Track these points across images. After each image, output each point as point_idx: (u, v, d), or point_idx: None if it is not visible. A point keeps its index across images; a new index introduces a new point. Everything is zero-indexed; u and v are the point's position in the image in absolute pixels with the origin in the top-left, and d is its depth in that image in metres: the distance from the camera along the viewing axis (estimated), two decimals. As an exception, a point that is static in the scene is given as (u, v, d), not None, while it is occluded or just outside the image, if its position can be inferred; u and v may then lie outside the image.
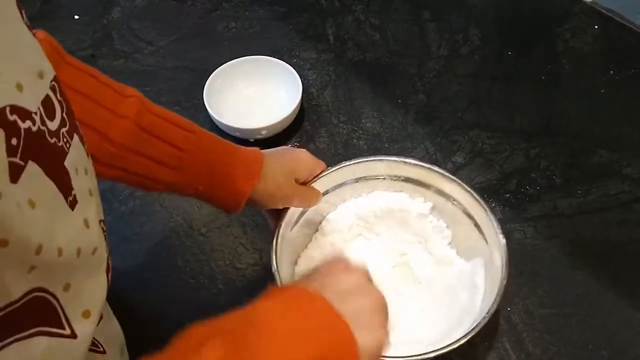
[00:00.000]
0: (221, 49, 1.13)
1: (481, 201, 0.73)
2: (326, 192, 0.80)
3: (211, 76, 1.00)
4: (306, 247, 0.82)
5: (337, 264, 0.55)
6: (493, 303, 0.66)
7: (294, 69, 1.00)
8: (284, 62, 1.02)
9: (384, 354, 0.51)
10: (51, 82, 0.42)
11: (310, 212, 0.80)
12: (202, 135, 0.66)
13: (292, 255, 0.79)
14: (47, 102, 0.40)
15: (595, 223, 0.87)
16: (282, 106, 0.97)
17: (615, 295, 0.79)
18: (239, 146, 0.69)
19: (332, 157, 0.96)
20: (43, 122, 0.39)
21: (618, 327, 0.77)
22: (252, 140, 0.96)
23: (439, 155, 0.95)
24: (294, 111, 0.95)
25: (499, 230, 0.70)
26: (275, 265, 0.70)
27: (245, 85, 1.03)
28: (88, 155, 0.49)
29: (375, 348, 0.49)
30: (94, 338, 0.59)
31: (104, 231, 0.51)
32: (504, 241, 0.70)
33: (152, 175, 0.64)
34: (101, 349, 0.59)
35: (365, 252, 0.82)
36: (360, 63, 1.10)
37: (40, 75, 0.41)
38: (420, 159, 0.93)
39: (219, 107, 0.97)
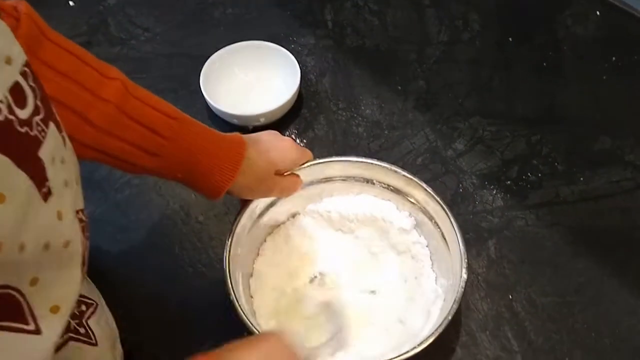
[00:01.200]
0: (218, 35, 1.11)
1: (457, 230, 0.70)
2: (311, 183, 0.79)
3: (207, 62, 0.98)
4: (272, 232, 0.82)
5: (280, 347, 0.52)
6: (428, 336, 0.63)
7: (292, 55, 0.99)
8: (282, 48, 1.00)
9: None
10: (22, 67, 0.40)
11: (291, 201, 0.79)
12: (184, 123, 0.64)
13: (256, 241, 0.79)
14: (16, 89, 0.38)
15: (598, 210, 0.86)
16: (280, 93, 0.96)
17: (618, 283, 0.78)
18: (223, 135, 0.67)
19: (331, 145, 0.95)
20: (11, 111, 0.37)
21: (621, 314, 0.76)
22: (250, 127, 0.94)
23: (439, 142, 0.94)
24: (292, 98, 0.94)
25: (464, 264, 0.67)
26: (227, 257, 0.69)
27: (242, 71, 1.02)
28: (65, 144, 0.47)
29: None
30: (89, 329, 0.58)
31: (81, 221, 0.49)
32: (465, 277, 0.67)
33: (132, 160, 0.62)
34: (93, 341, 0.58)
35: (337, 246, 0.81)
36: (359, 49, 1.08)
37: (8, 61, 0.39)
38: (420, 148, 0.93)
39: (216, 94, 0.96)
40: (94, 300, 0.63)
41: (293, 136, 0.96)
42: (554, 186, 0.88)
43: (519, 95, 1.00)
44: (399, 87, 1.02)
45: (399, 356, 0.61)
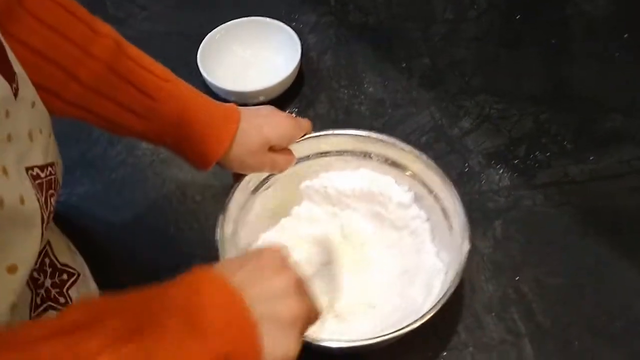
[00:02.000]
0: (217, 12, 1.07)
1: (458, 201, 0.67)
2: (307, 158, 0.76)
3: (205, 39, 0.95)
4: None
5: (273, 259, 0.50)
6: (429, 311, 0.59)
7: (293, 32, 0.96)
8: (282, 24, 0.97)
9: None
10: None
11: (286, 178, 0.75)
12: (177, 86, 0.62)
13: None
14: None
15: (608, 190, 0.83)
16: (281, 70, 0.93)
17: (629, 264, 0.75)
18: (217, 103, 0.65)
19: (333, 123, 0.92)
20: None
21: (633, 297, 0.73)
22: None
23: (444, 121, 0.91)
24: (292, 74, 0.91)
25: (467, 235, 0.64)
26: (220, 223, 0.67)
27: (241, 48, 0.99)
28: (17, 96, 0.45)
29: (285, 353, 0.46)
30: (69, 298, 0.57)
31: (37, 178, 0.48)
32: (467, 248, 0.63)
33: (120, 121, 0.60)
34: None
35: (334, 222, 0.78)
36: (362, 26, 1.05)
37: None
38: (425, 126, 0.90)
39: (214, 71, 0.93)
40: (76, 270, 0.61)
41: (293, 114, 0.93)
42: (562, 165, 0.85)
43: (527, 73, 0.98)
44: (403, 65, 0.99)
45: (398, 330, 0.59)
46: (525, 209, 0.81)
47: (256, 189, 0.74)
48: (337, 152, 0.76)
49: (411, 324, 0.59)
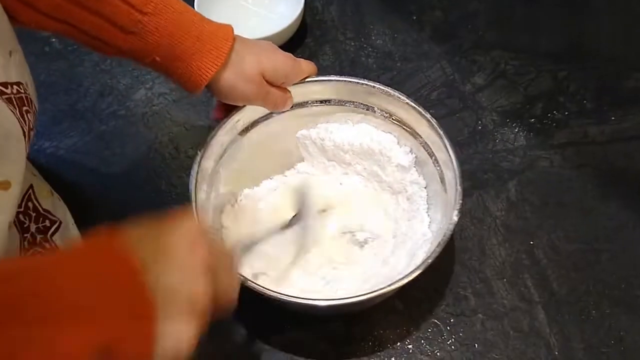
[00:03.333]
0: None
1: (457, 169, 0.61)
2: (306, 104, 0.70)
3: (202, -15, 0.89)
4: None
5: (187, 232, 0.43)
6: (402, 278, 0.55)
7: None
8: (284, -31, 0.91)
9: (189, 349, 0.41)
10: None
11: (280, 122, 0.70)
12: None
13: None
14: None
15: (630, 152, 0.78)
16: (282, 19, 0.87)
17: (651, 230, 0.71)
18: (210, 20, 0.60)
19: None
20: None
21: (654, 264, 0.68)
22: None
23: (457, 76, 0.85)
24: (294, 23, 0.85)
25: (457, 206, 0.58)
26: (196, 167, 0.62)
27: (240, -5, 0.93)
28: None
29: (181, 342, 0.40)
30: (54, 244, 0.58)
31: (2, 94, 0.45)
32: (455, 219, 0.58)
33: (103, 37, 0.55)
34: None
35: (327, 179, 0.74)
36: (370, -24, 0.99)
37: None
38: (436, 81, 0.84)
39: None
40: (57, 218, 0.59)
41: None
42: (582, 125, 0.80)
43: (545, 28, 0.92)
44: (414, 17, 0.93)
45: (369, 293, 0.55)
46: (542, 170, 0.76)
47: (245, 130, 0.68)
48: (339, 101, 0.70)
49: (378, 290, 0.55)
